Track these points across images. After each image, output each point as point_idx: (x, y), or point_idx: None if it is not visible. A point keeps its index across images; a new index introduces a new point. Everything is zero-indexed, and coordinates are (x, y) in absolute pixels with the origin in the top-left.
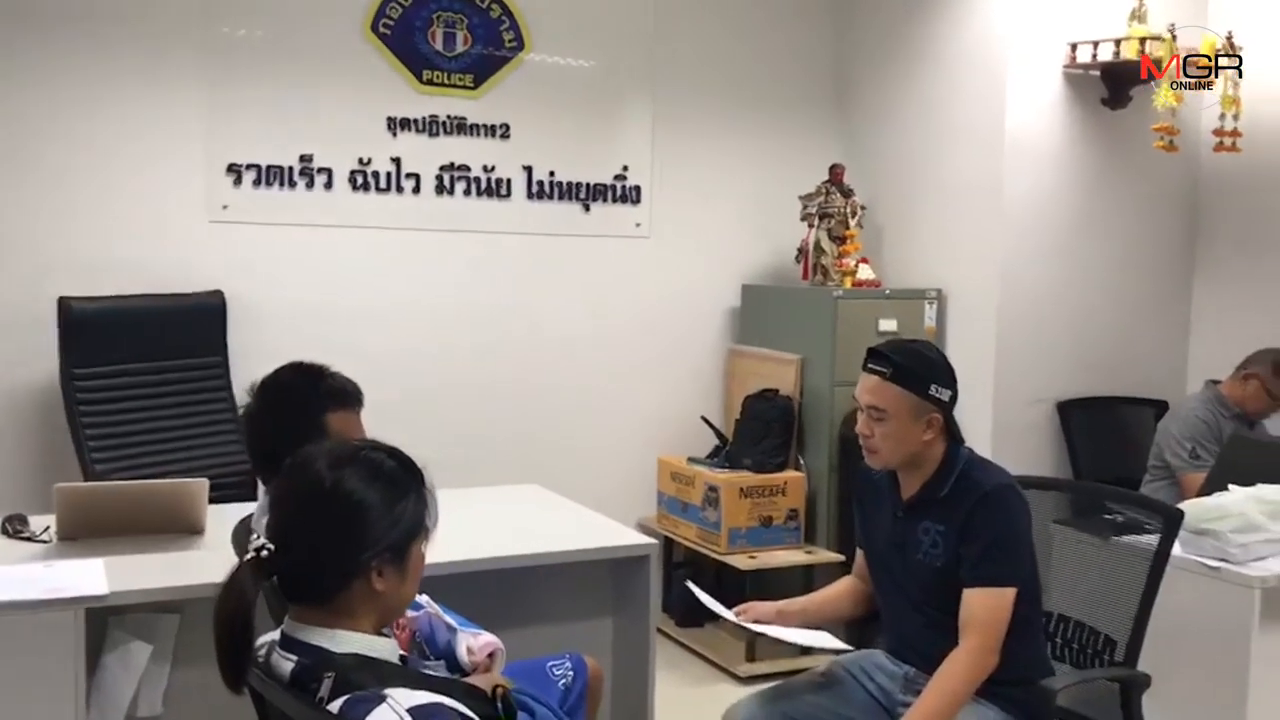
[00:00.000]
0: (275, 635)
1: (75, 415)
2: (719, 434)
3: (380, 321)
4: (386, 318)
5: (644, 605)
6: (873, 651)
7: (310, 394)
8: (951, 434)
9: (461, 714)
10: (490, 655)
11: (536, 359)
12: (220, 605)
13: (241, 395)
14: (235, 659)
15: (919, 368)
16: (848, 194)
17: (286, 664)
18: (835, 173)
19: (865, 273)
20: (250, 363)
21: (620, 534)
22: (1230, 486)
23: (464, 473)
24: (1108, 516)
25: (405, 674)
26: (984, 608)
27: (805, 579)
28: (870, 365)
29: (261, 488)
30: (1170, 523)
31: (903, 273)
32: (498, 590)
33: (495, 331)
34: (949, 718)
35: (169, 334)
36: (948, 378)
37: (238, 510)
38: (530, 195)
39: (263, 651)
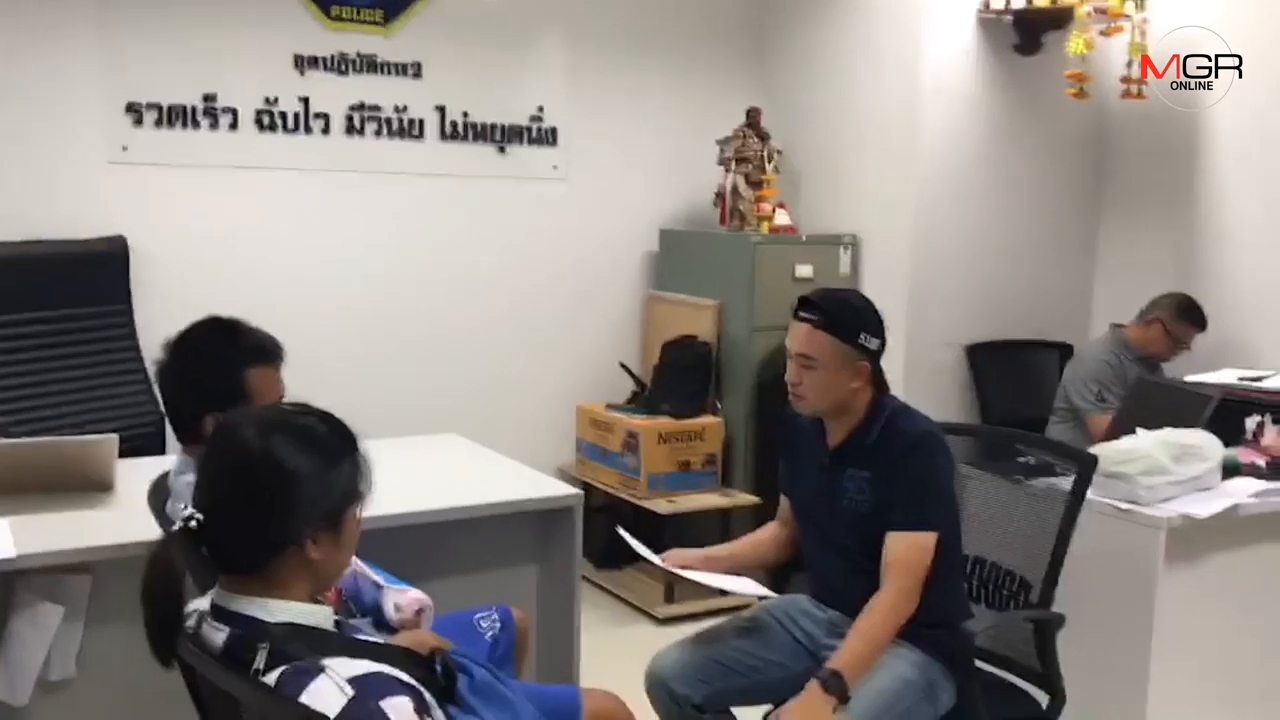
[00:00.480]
0: (204, 604)
1: None
2: (637, 380)
3: (289, 266)
4: (295, 262)
5: (569, 554)
6: (797, 597)
7: (228, 350)
8: (878, 383)
9: (402, 681)
10: (418, 612)
11: (451, 304)
12: (148, 578)
13: (148, 344)
14: (165, 632)
15: (849, 317)
16: (765, 138)
17: (218, 635)
18: (752, 116)
19: (782, 218)
20: (155, 310)
21: (545, 484)
22: (1138, 430)
23: (379, 422)
24: (1020, 459)
25: (342, 642)
26: (906, 551)
27: (723, 522)
28: (801, 314)
29: (179, 447)
30: (1084, 468)
31: (818, 218)
32: (422, 543)
33: (408, 276)
34: (873, 660)
35: (69, 282)
36: (877, 327)
37: (148, 465)
38: (444, 136)
39: (192, 621)
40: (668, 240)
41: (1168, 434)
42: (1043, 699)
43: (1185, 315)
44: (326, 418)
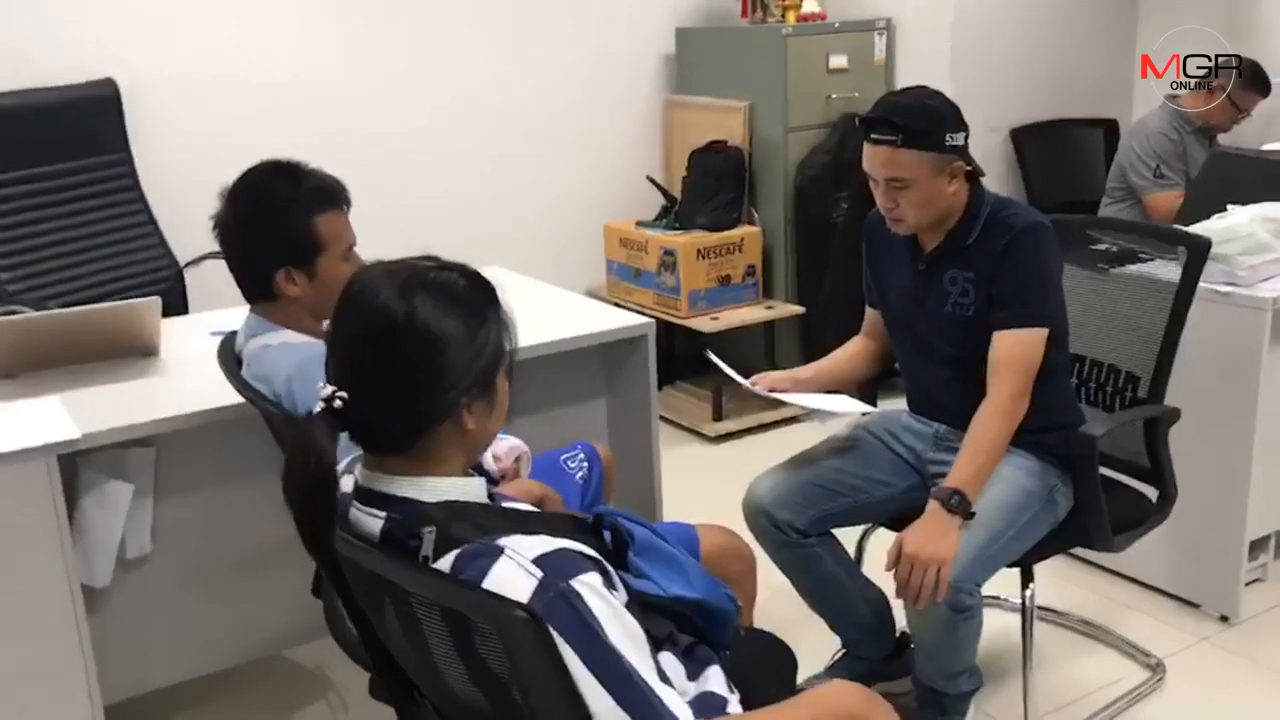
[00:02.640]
0: (345, 487)
1: None
2: (666, 194)
3: (293, 99)
4: (299, 94)
5: (643, 386)
6: (895, 411)
7: (293, 196)
8: (973, 175)
9: (585, 554)
10: (516, 459)
11: (457, 124)
12: (296, 471)
13: (153, 193)
14: (322, 527)
15: (928, 123)
16: None
17: (373, 522)
18: None
19: (809, 4)
20: (157, 156)
21: (612, 315)
22: (1229, 207)
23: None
24: (1097, 247)
25: (508, 516)
26: (1016, 349)
27: (767, 336)
28: (875, 136)
29: (248, 308)
30: (1195, 251)
31: (846, 3)
32: None
33: (413, 95)
34: (992, 469)
35: (59, 133)
36: (957, 119)
37: (182, 326)
38: None
39: None
40: (685, 39)
41: (1266, 208)
42: (1150, 493)
43: (1252, 81)
44: (464, 270)
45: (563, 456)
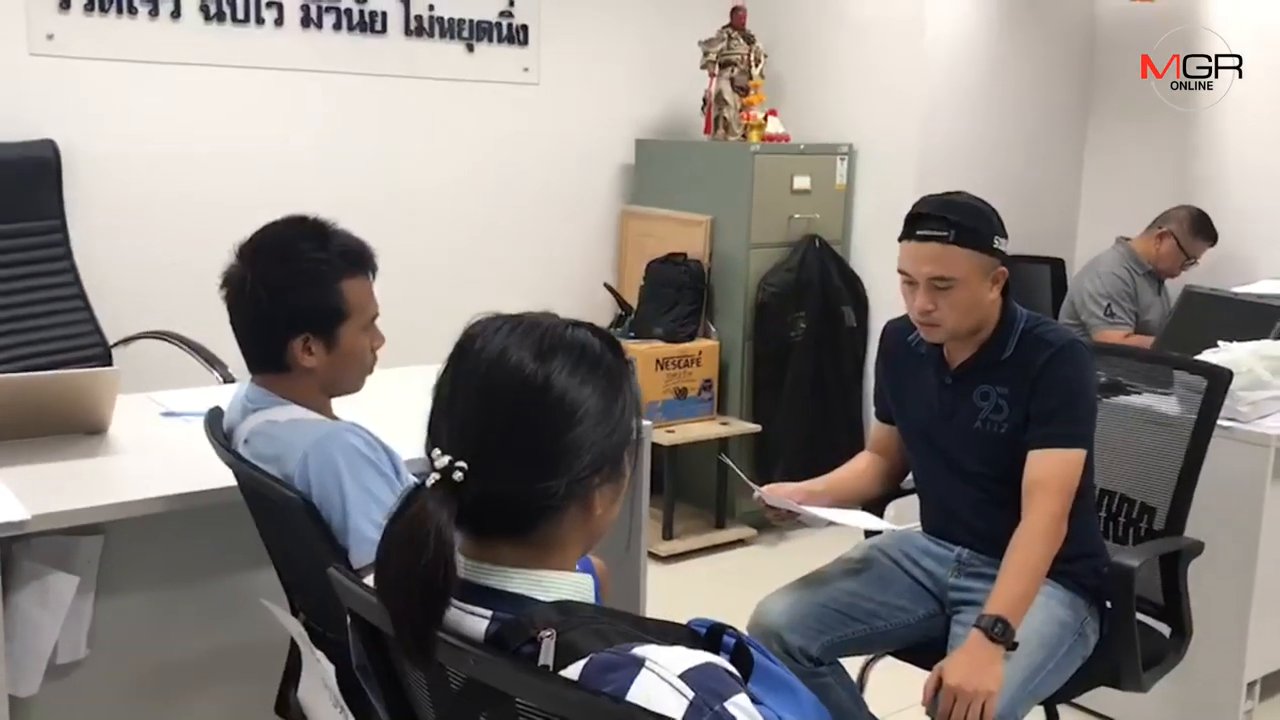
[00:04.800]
0: None
1: None
2: (622, 302)
3: (237, 174)
4: (244, 170)
5: (631, 497)
6: (909, 533)
7: (321, 258)
8: (1006, 288)
9: (730, 673)
10: None
11: (412, 220)
12: (407, 555)
13: (85, 264)
14: (429, 622)
15: (979, 222)
16: (750, 40)
17: (475, 622)
18: (737, 16)
19: (775, 126)
20: (93, 225)
21: None
22: (1220, 343)
23: None
24: None
25: (624, 621)
26: (1057, 469)
27: (720, 451)
28: (923, 231)
29: (246, 376)
30: (1216, 385)
31: (809, 126)
32: None
33: (367, 188)
34: (1034, 595)
35: None
36: (1002, 224)
37: (129, 404)
38: (408, 32)
39: None
40: (645, 151)
41: (1263, 346)
42: (1163, 629)
43: (1198, 229)
44: (598, 331)
45: None
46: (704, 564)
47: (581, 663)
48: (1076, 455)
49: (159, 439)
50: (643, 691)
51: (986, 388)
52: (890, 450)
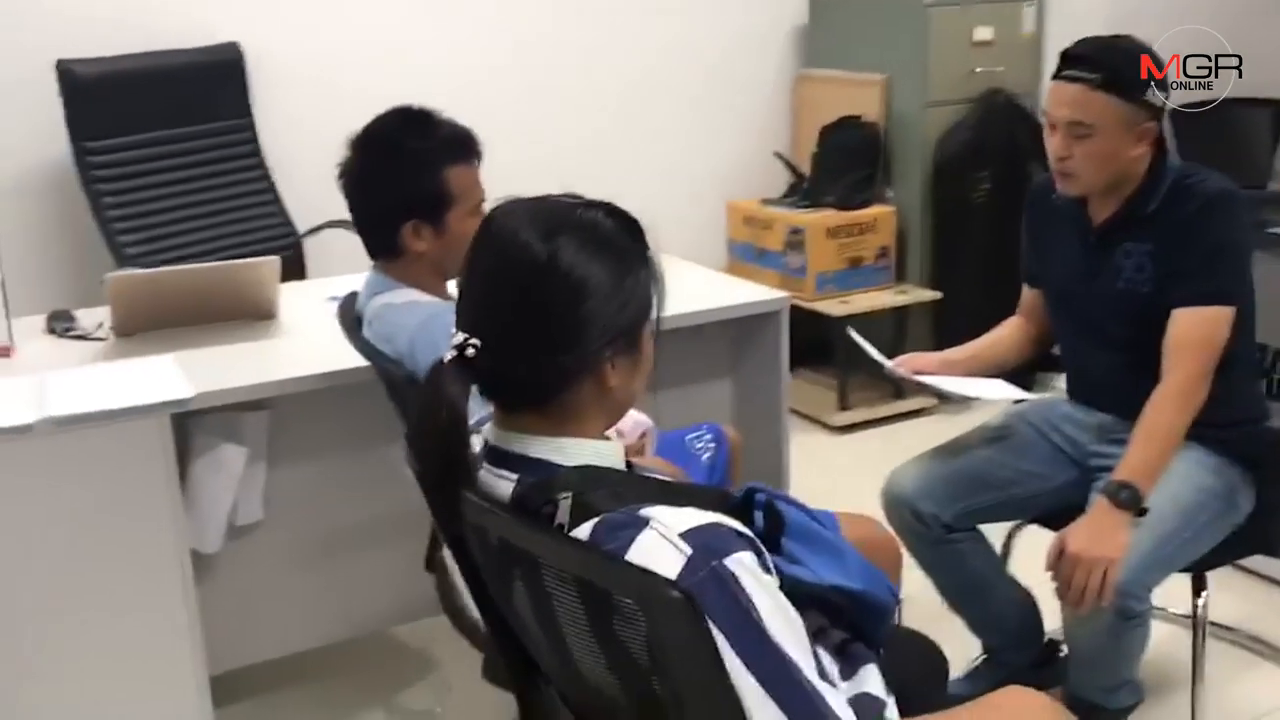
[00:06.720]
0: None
1: (96, 196)
2: (795, 170)
3: (416, 68)
4: (422, 63)
5: (773, 365)
6: (1054, 399)
7: (425, 147)
8: (1160, 145)
9: (739, 532)
10: (642, 435)
11: (581, 98)
12: (425, 423)
13: (274, 161)
14: (451, 486)
15: (1132, 69)
16: None
17: (503, 484)
18: None
19: None
20: (278, 123)
21: (744, 290)
22: None
23: None
24: (1271, 230)
25: (648, 485)
26: (1198, 328)
27: (898, 323)
28: (1069, 72)
29: (371, 265)
30: None
31: None
32: None
33: (539, 73)
34: (1166, 463)
35: (183, 97)
36: (1164, 79)
37: (301, 290)
38: None
39: None
40: (819, 9)
41: None
42: None
43: None
44: (614, 210)
45: (688, 436)
46: (881, 434)
47: (593, 522)
48: (1223, 313)
49: (321, 322)
50: (643, 548)
51: (1131, 245)
52: (1038, 314)
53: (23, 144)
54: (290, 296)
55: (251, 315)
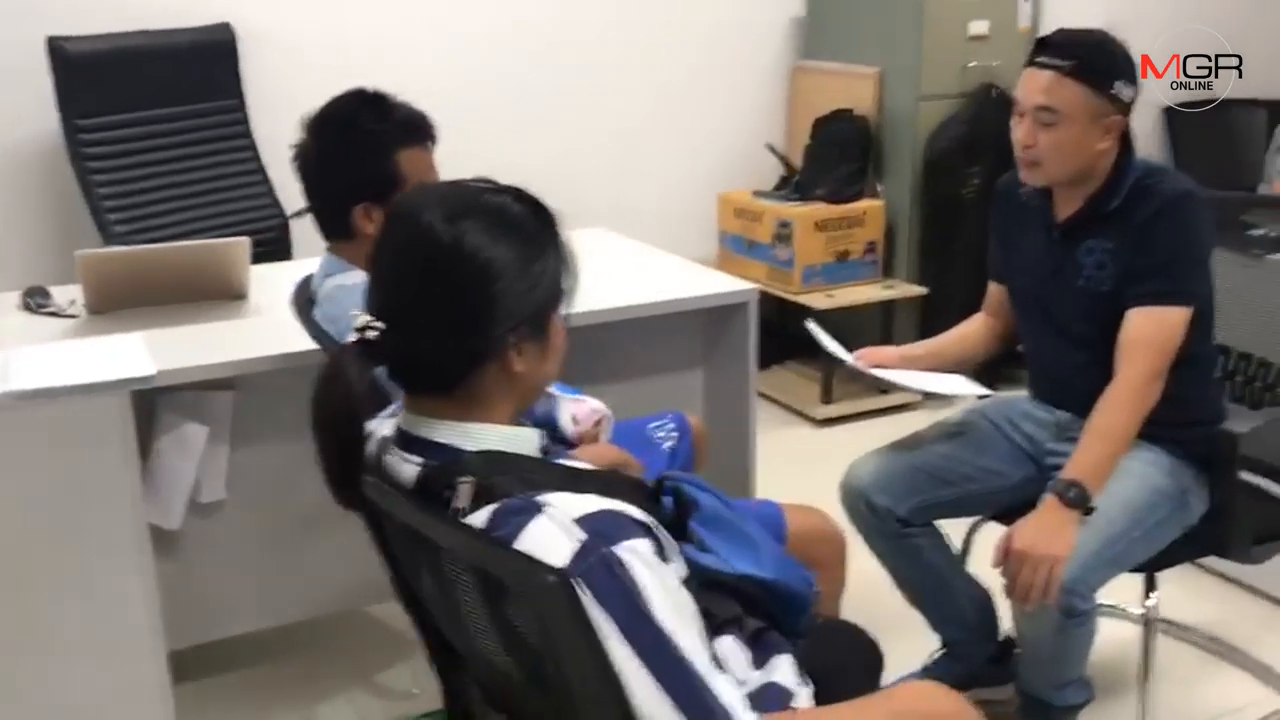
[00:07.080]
0: (384, 430)
1: (85, 173)
2: (786, 162)
3: (407, 51)
4: (412, 45)
5: (743, 355)
6: (1016, 397)
7: (379, 129)
8: (1127, 143)
9: (635, 519)
10: (597, 423)
11: (575, 86)
12: (321, 402)
13: (264, 142)
14: (346, 466)
15: (1103, 61)
16: None
17: (408, 468)
18: None
19: None
20: (268, 104)
21: (714, 280)
22: None
23: None
24: (1251, 232)
25: (556, 472)
26: (1151, 327)
27: (884, 318)
28: (1041, 59)
29: (325, 246)
30: None
31: None
32: (581, 348)
33: (531, 56)
34: (1115, 462)
35: (176, 76)
36: (1132, 73)
37: (278, 271)
38: None
39: (371, 449)
40: (815, 1)
41: None
42: None
43: None
44: (521, 195)
45: (651, 425)
46: (864, 428)
47: (492, 508)
48: (1178, 314)
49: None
50: (534, 535)
51: (1093, 243)
52: (1002, 311)
53: (12, 121)
54: (268, 277)
55: (223, 295)
